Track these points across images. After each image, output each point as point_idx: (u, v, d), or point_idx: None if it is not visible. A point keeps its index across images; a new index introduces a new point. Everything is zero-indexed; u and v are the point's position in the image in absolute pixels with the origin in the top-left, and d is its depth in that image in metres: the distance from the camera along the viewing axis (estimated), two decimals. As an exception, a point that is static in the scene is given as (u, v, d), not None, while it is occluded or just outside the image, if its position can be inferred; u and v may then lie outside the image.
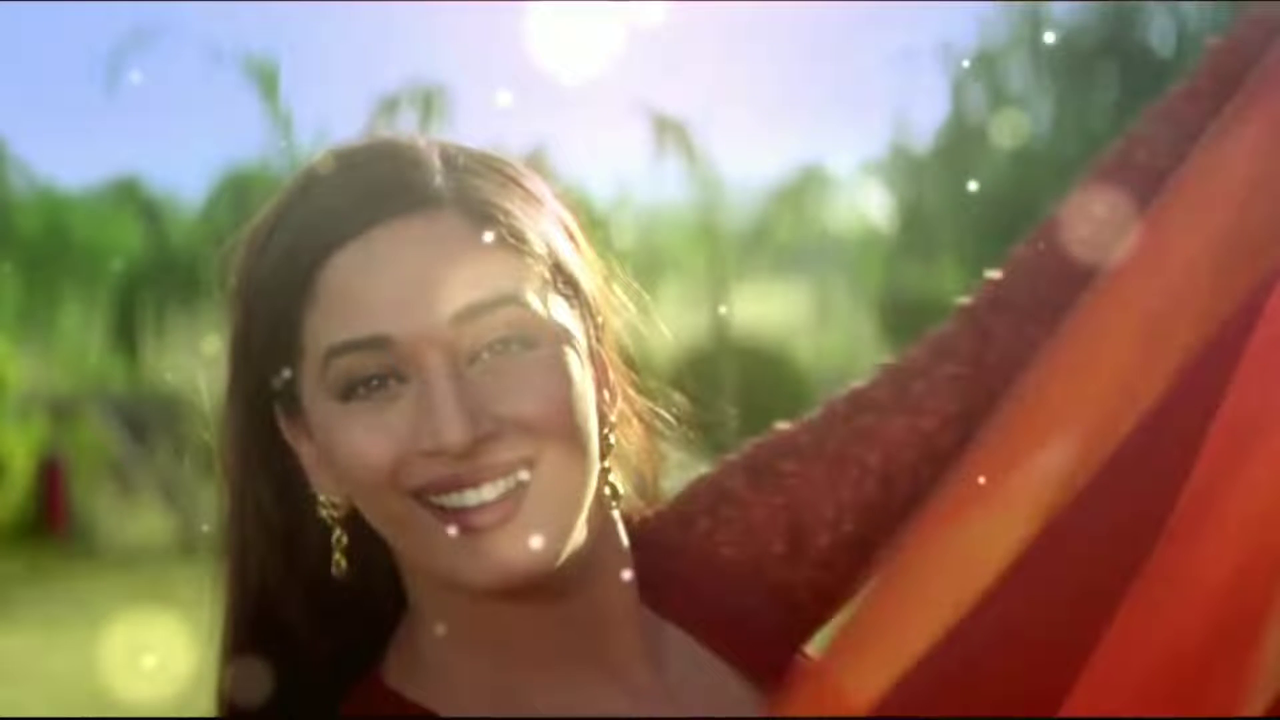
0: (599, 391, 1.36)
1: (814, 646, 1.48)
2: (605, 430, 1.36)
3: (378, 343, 1.28)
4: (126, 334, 19.19)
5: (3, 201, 19.71)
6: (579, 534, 1.32)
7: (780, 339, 18.48)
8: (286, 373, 1.32)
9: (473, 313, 1.28)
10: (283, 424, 1.35)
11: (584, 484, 1.32)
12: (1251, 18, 1.49)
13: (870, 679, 1.30)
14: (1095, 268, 1.42)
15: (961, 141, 19.40)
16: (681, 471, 1.50)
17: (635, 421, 1.43)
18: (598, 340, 1.37)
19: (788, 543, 1.48)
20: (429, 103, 16.87)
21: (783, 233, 20.17)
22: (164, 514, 15.38)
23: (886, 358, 1.53)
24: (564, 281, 1.34)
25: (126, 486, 16.17)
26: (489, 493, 1.29)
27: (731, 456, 1.52)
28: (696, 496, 1.50)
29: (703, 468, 1.52)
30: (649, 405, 1.44)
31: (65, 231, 19.59)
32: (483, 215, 1.31)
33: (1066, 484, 1.32)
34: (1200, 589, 1.27)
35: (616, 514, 1.40)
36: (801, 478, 1.49)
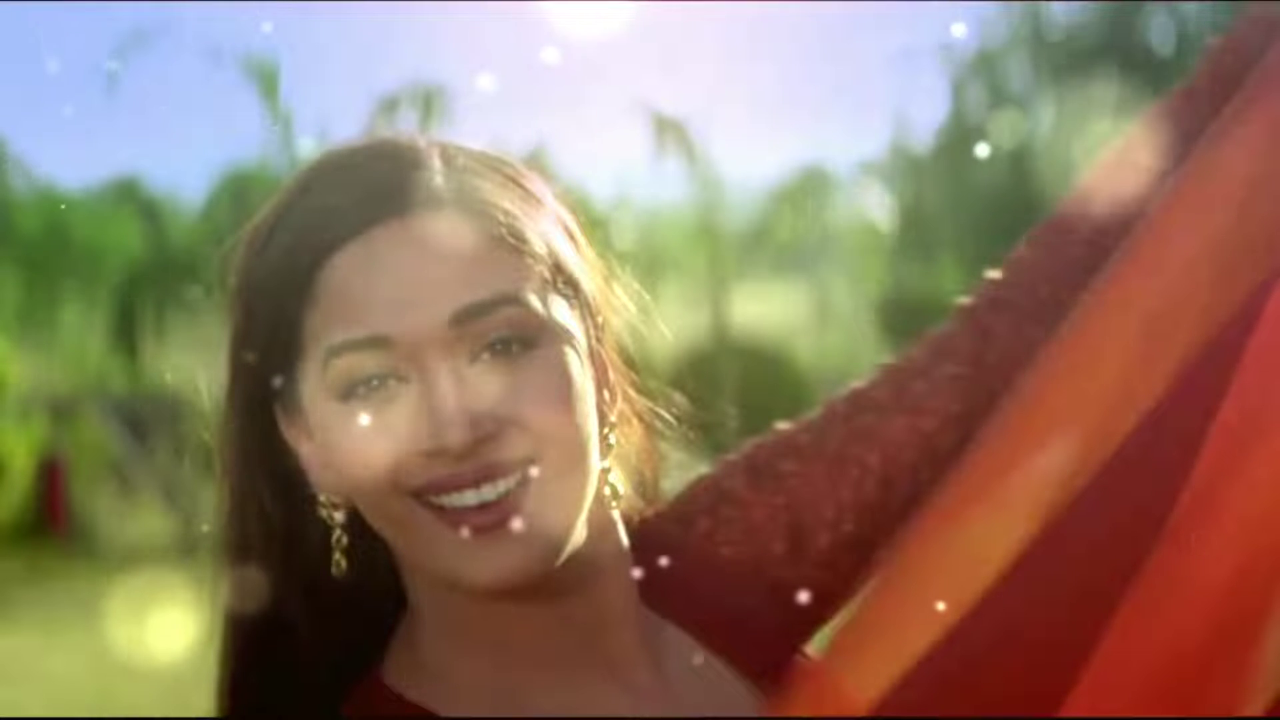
0: (599, 391, 1.36)
1: (814, 646, 1.48)
2: (605, 430, 1.36)
3: (377, 343, 1.28)
4: (126, 334, 19.19)
5: (3, 201, 19.70)
6: (579, 534, 1.32)
7: (780, 339, 18.45)
8: (287, 372, 1.32)
9: (472, 313, 1.28)
10: (283, 424, 1.35)
11: (584, 484, 1.32)
12: (1251, 18, 1.49)
13: (870, 679, 1.30)
14: (1095, 267, 1.42)
15: (961, 141, 19.41)
16: (681, 471, 1.50)
17: (635, 421, 1.43)
18: (598, 340, 1.37)
19: (788, 543, 1.48)
20: (429, 103, 16.86)
21: (783, 233, 20.17)
22: (164, 514, 15.36)
23: (886, 358, 1.53)
24: (564, 281, 1.34)
25: (126, 486, 16.15)
26: (489, 493, 1.29)
27: (731, 456, 1.52)
28: (696, 496, 1.50)
29: (703, 468, 1.52)
30: (649, 405, 1.44)
31: (65, 231, 19.58)
32: (483, 215, 1.31)
33: (1066, 484, 1.32)
34: (1200, 589, 1.27)
35: (616, 514, 1.40)
36: (801, 478, 1.49)
